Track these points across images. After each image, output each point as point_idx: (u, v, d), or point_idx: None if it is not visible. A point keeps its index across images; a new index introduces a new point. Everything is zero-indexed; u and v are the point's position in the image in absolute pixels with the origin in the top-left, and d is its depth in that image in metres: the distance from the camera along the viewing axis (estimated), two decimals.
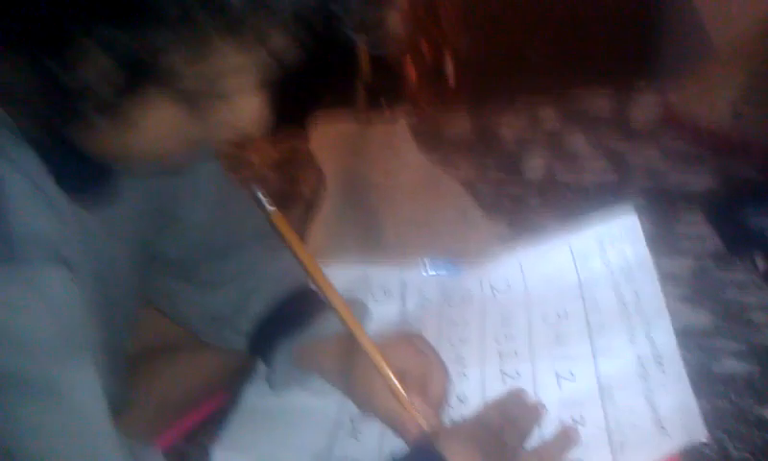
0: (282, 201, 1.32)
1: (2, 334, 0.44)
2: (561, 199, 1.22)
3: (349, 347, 0.70)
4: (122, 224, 0.59)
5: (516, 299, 0.84)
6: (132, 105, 0.44)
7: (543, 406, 0.69)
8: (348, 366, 0.71)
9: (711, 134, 1.36)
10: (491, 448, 0.60)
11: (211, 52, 0.42)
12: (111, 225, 0.57)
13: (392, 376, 0.66)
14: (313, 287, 0.74)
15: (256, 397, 0.76)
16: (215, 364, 0.80)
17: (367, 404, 0.70)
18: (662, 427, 0.64)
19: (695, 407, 0.64)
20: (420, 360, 0.69)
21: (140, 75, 0.42)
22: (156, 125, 0.46)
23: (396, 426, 0.67)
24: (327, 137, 1.56)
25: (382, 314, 0.86)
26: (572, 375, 0.72)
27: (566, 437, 0.66)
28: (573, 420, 0.67)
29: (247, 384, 0.77)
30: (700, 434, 0.62)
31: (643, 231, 0.84)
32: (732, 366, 0.77)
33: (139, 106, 0.44)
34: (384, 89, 3.23)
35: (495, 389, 0.73)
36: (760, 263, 0.92)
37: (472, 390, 0.73)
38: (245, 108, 0.49)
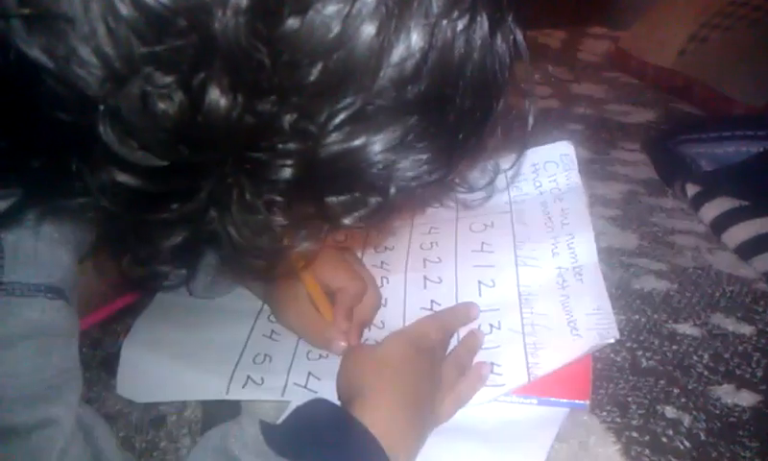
0: None
1: None
2: (501, 121, 1.22)
3: None
4: None
5: (445, 213, 0.84)
6: None
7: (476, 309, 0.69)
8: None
9: (656, 71, 1.37)
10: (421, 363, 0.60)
11: None
12: None
13: (320, 291, 0.66)
14: None
15: (172, 292, 0.74)
16: None
17: (288, 318, 0.70)
18: (575, 330, 0.64)
19: (609, 312, 0.65)
20: (352, 280, 0.68)
21: None
22: None
23: (317, 343, 0.67)
24: None
25: None
26: (493, 282, 0.72)
27: (474, 339, 0.66)
28: (490, 325, 0.68)
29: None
30: (611, 335, 0.62)
31: (580, 157, 0.84)
32: (651, 283, 0.78)
33: None
34: None
35: (417, 294, 0.73)
36: (690, 190, 0.93)
37: (394, 294, 0.73)
38: None
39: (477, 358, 0.65)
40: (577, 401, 0.61)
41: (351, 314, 0.67)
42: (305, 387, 0.63)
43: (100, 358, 0.69)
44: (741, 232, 0.84)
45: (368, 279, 0.70)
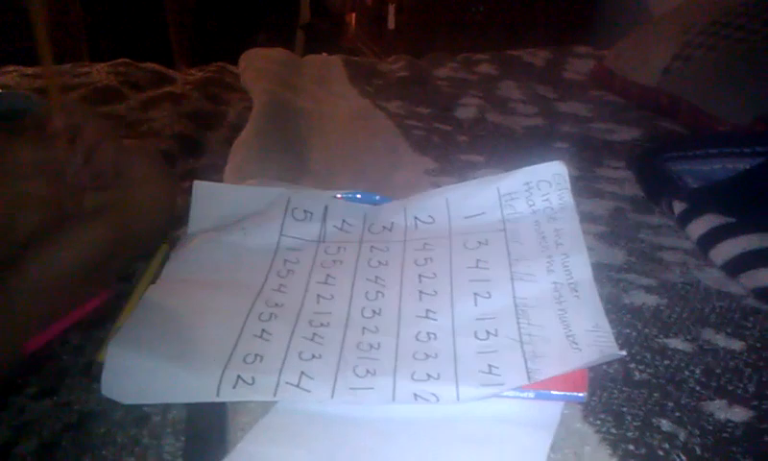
0: (206, 121, 1.28)
1: None
2: (489, 139, 1.22)
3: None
4: None
5: (439, 229, 0.84)
6: None
7: None
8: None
9: (640, 89, 1.39)
10: None
11: None
12: None
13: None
14: None
15: (157, 295, 0.73)
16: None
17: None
18: (574, 343, 0.64)
19: (607, 328, 0.65)
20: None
21: None
22: None
23: None
24: (257, 63, 1.52)
25: (300, 233, 0.84)
26: (489, 294, 0.72)
27: None
28: (487, 332, 0.67)
29: (149, 283, 0.75)
30: (613, 352, 0.63)
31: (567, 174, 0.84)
32: (641, 298, 0.78)
33: None
34: (323, 33, 3.17)
35: (412, 304, 0.72)
36: (677, 207, 0.94)
37: (388, 304, 0.72)
38: None
39: (475, 361, 0.64)
40: (574, 394, 0.61)
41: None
42: (298, 386, 0.62)
43: (82, 365, 0.68)
44: (728, 249, 0.85)
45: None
